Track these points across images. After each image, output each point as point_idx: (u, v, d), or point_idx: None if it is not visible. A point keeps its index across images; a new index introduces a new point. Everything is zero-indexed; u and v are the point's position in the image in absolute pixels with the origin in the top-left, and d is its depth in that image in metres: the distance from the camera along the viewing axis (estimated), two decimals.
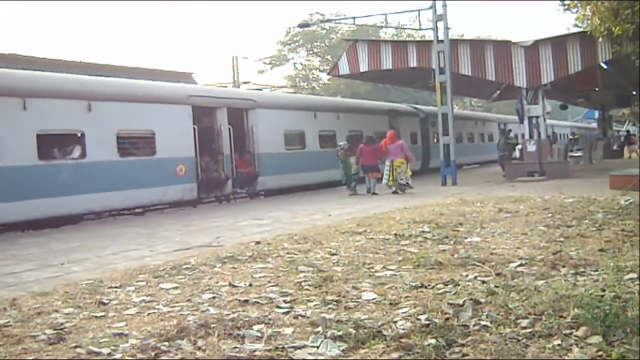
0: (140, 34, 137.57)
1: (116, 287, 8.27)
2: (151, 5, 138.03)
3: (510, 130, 38.99)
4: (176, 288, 8.03)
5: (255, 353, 5.20)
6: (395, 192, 24.01)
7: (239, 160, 25.88)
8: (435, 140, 38.46)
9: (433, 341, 5.22)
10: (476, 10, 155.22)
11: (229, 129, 24.78)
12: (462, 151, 38.45)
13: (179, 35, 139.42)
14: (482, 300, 6.38)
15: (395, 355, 5.06)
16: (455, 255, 9.11)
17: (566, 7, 23.76)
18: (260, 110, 26.71)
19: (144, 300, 7.44)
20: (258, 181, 26.52)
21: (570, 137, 54.44)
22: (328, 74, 42.67)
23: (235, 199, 26.44)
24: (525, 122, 29.08)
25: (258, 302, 6.97)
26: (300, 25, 42.82)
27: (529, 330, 5.40)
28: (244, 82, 55.95)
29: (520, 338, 5.21)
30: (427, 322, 5.74)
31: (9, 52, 23.76)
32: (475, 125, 49.16)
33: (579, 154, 40.77)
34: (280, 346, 5.36)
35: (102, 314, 6.86)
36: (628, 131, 60.72)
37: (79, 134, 19.26)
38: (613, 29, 19.97)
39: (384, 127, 33.40)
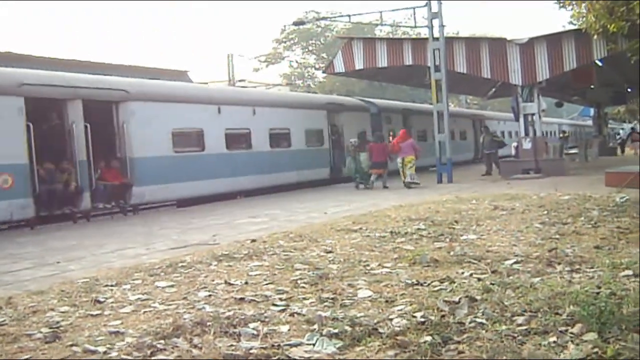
0: (134, 32, 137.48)
1: (112, 286, 8.27)
2: (146, 3, 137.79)
3: (486, 127, 36.50)
4: (172, 286, 8.03)
5: (251, 351, 5.20)
6: (408, 187, 25.33)
7: (105, 168, 20.95)
8: (391, 139, 30.72)
9: (429, 338, 5.22)
10: (471, 8, 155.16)
11: (86, 127, 19.65)
12: (426, 151, 31.21)
13: (174, 33, 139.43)
14: (478, 297, 6.39)
15: (391, 352, 5.06)
16: (451, 253, 9.11)
17: (561, 4, 23.75)
18: (136, 104, 21.37)
19: (139, 298, 7.43)
20: (133, 193, 21.23)
21: (560, 135, 54.49)
22: (323, 72, 42.67)
23: (100, 216, 21.02)
24: (521, 119, 29.11)
25: (254, 300, 6.97)
26: (295, 23, 42.84)
27: (524, 327, 5.40)
28: (240, 80, 55.87)
29: (516, 335, 5.22)
30: (422, 319, 5.74)
31: (4, 50, 23.58)
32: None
33: (573, 151, 40.81)
34: (276, 344, 5.36)
35: (98, 312, 6.85)
36: (633, 128, 60.73)
37: None
38: (608, 26, 19.96)
39: (320, 123, 31.24)
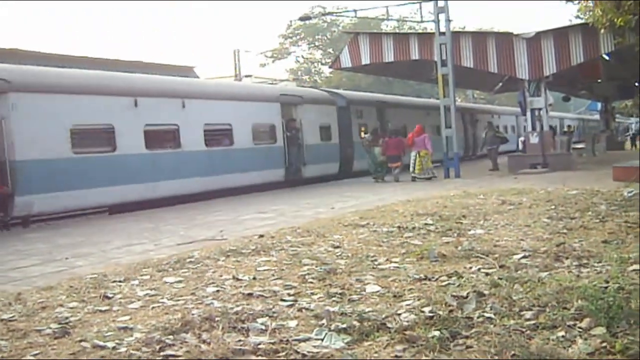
0: (141, 28, 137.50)
1: (120, 281, 8.28)
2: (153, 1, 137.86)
3: (489, 123, 36.46)
4: (180, 282, 8.04)
5: (259, 346, 5.20)
6: (428, 179, 26.90)
7: None
8: (362, 135, 32.50)
9: (437, 333, 5.22)
10: (477, 2, 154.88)
11: None
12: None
13: (180, 29, 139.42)
14: (486, 292, 6.38)
15: (399, 347, 5.06)
16: (459, 248, 9.10)
17: None
18: (19, 95, 17.71)
19: (148, 294, 7.45)
20: (16, 203, 17.50)
21: (565, 129, 54.30)
22: (330, 67, 42.68)
23: None
24: (528, 114, 29.07)
25: (262, 296, 6.98)
26: (301, 19, 43.00)
27: (532, 322, 5.40)
28: (246, 76, 55.90)
29: (524, 330, 5.21)
30: (431, 314, 5.74)
31: (10, 47, 23.54)
32: (427, 115, 37.66)
33: (580, 146, 40.70)
34: (285, 339, 5.36)
35: (107, 308, 6.87)
36: None
37: None
38: (615, 20, 19.97)
39: (272, 118, 27.47)
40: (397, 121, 36.16)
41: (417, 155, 27.16)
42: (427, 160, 27.31)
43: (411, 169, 27.52)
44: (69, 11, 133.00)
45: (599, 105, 62.37)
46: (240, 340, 5.37)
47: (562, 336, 5.02)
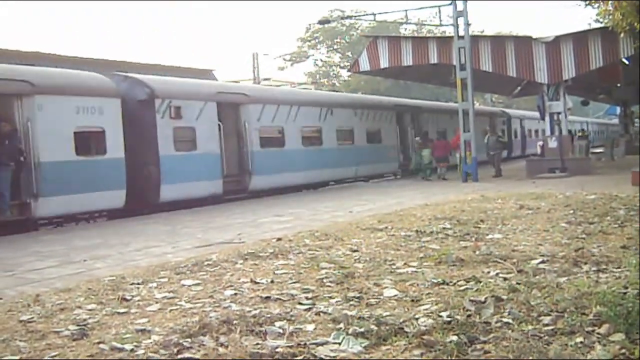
0: (161, 31, 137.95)
1: (138, 284, 8.31)
2: (173, 3, 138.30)
3: (492, 127, 35.63)
4: (198, 284, 8.06)
5: (277, 350, 5.21)
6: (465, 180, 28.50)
7: None
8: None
9: (455, 338, 5.21)
10: (496, 6, 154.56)
11: None
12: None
13: (199, 31, 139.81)
14: (504, 297, 6.36)
15: (417, 352, 5.05)
16: (477, 252, 9.08)
17: (587, 2, 23.63)
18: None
19: (166, 296, 7.47)
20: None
21: (579, 133, 54.00)
22: (348, 70, 42.74)
23: None
24: (547, 118, 28.99)
25: (280, 299, 6.98)
26: (320, 22, 43.02)
27: (551, 327, 5.37)
28: (265, 79, 56.09)
29: (542, 335, 5.19)
30: (448, 319, 5.72)
31: (31, 50, 23.72)
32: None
33: (598, 150, 40.47)
34: (302, 343, 5.37)
35: (125, 310, 6.89)
36: None
37: None
38: (635, 24, 19.84)
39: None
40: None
41: (460, 157, 29.45)
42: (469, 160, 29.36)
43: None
44: (87, 13, 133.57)
45: (618, 109, 62.08)
46: (257, 344, 5.38)
47: (581, 342, 5.00)
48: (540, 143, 31.58)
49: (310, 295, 7.12)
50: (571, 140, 31.16)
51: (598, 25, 27.31)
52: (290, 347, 5.28)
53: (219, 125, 23.06)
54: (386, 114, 34.32)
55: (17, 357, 5.44)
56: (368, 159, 31.68)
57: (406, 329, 5.54)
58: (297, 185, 27.32)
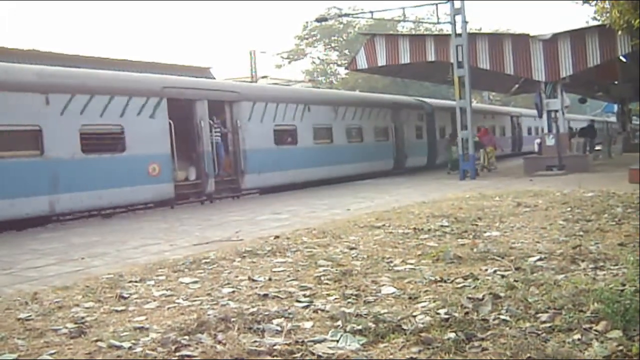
0: (157, 29, 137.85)
1: (136, 282, 8.32)
2: (170, 0, 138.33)
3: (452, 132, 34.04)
4: (196, 282, 8.06)
5: (275, 347, 5.21)
6: (489, 170, 32.63)
7: None
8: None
9: (453, 335, 5.21)
10: (494, 3, 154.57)
11: None
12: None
13: (196, 29, 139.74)
14: (502, 294, 6.36)
15: (414, 349, 5.06)
16: (475, 250, 9.09)
17: (585, 0, 23.63)
18: None
19: (164, 294, 7.47)
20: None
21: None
22: (346, 68, 42.73)
23: None
24: (545, 115, 29.00)
25: (277, 297, 6.99)
26: (317, 20, 43.06)
27: (548, 324, 5.38)
28: (262, 77, 56.04)
29: (540, 332, 5.19)
30: (446, 316, 5.73)
31: (29, 47, 23.68)
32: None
33: (597, 147, 40.53)
34: (300, 340, 5.37)
35: (123, 308, 6.89)
36: None
37: None
38: (633, 21, 19.83)
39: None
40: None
41: (484, 151, 33.22)
42: (492, 155, 33.65)
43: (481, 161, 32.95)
44: (84, 12, 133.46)
45: (615, 107, 62.10)
46: (255, 341, 5.37)
47: (578, 339, 5.00)
48: (538, 141, 31.57)
49: (308, 292, 7.13)
50: (570, 137, 31.14)
51: (595, 23, 27.31)
52: (288, 344, 5.28)
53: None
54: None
55: (15, 355, 5.44)
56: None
57: (404, 327, 5.54)
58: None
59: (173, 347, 5.33)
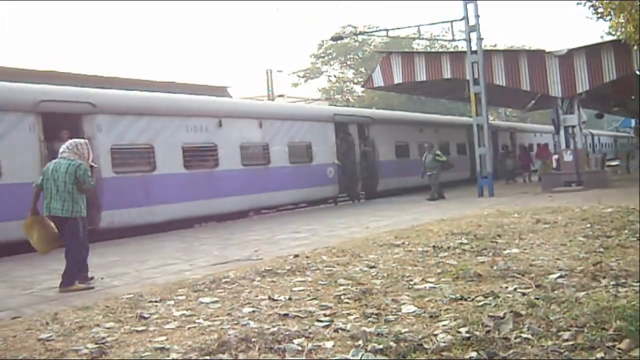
0: (175, 48, 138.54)
1: (156, 302, 8.33)
2: (186, 20, 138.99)
3: (430, 144, 29.50)
4: (216, 302, 8.07)
5: None
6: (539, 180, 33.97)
7: None
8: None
9: (474, 354, 5.20)
10: (508, 19, 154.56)
11: None
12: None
13: (213, 49, 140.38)
14: (523, 312, 6.34)
15: None
16: (495, 267, 9.06)
17: (599, 15, 23.58)
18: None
19: (184, 314, 7.48)
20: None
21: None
22: (362, 86, 42.74)
23: None
24: (562, 131, 28.94)
25: (298, 316, 6.98)
26: (333, 38, 42.99)
27: (570, 342, 5.35)
28: (279, 96, 56.18)
29: (562, 351, 5.17)
30: (467, 334, 5.71)
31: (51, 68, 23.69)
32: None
33: (615, 163, 40.44)
34: None
35: (143, 328, 6.91)
36: None
37: None
38: None
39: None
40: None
41: (543, 164, 36.50)
42: (549, 167, 34.02)
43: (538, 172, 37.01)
44: (103, 30, 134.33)
45: (633, 122, 61.84)
46: None
47: (601, 357, 4.98)
48: (556, 156, 31.45)
49: (328, 312, 7.12)
50: (586, 153, 31.07)
51: (611, 38, 27.25)
52: None
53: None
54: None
55: None
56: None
57: (425, 345, 5.53)
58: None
59: None
